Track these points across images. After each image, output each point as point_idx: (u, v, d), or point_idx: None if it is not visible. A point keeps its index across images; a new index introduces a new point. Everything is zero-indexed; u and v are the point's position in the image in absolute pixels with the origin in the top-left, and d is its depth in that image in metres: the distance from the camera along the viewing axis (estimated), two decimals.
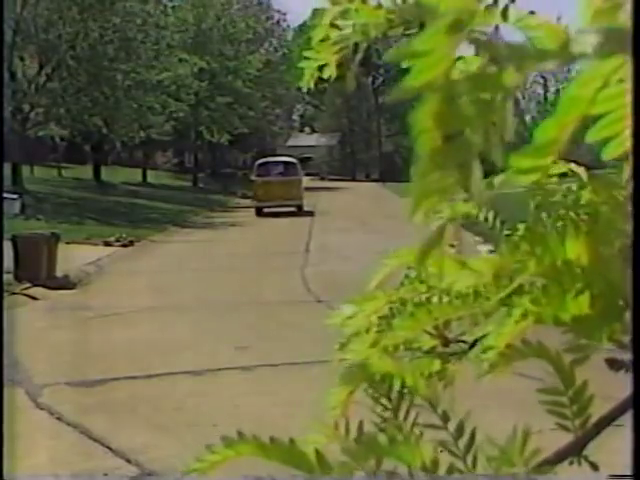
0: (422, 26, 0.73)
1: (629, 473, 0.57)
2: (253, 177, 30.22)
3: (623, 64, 0.50)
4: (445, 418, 0.67)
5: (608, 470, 0.70)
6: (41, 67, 29.67)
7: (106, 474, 5.19)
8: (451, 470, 0.64)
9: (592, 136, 0.53)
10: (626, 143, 0.53)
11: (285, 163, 31.02)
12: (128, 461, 5.38)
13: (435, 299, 0.76)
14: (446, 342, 0.81)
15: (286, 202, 28.42)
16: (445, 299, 0.75)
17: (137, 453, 5.49)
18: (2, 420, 4.87)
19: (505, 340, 0.68)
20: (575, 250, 0.66)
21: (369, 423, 0.72)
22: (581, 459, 0.67)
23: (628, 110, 0.52)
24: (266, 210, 28.33)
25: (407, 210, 0.54)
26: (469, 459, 0.65)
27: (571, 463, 0.66)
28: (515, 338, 0.68)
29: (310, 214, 27.63)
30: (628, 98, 0.51)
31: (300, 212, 28.36)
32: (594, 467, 0.67)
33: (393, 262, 0.86)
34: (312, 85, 0.99)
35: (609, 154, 0.53)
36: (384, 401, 0.74)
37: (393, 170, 61.47)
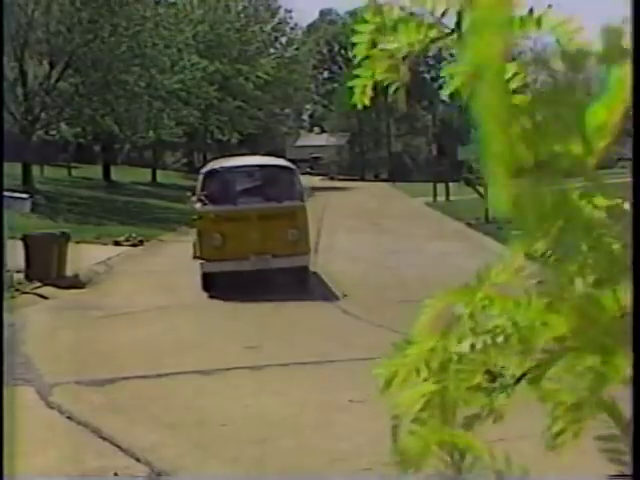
0: (459, 36, 0.73)
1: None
2: (195, 202, 12.37)
3: None
4: None
5: None
6: (52, 68, 29.74)
7: (116, 473, 5.20)
8: None
9: None
10: None
11: (262, 168, 13.08)
12: (138, 460, 5.39)
13: (480, 345, 0.77)
14: (492, 378, 0.81)
15: (273, 260, 12.02)
16: (490, 341, 0.76)
17: (147, 452, 5.50)
18: (2, 420, 4.88)
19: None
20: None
21: None
22: None
23: None
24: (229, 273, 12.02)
25: None
26: None
27: None
28: None
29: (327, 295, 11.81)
30: None
31: (303, 282, 12.23)
32: None
33: (439, 303, 0.86)
34: (366, 102, 0.97)
35: None
36: None
37: (402, 170, 61.37)
